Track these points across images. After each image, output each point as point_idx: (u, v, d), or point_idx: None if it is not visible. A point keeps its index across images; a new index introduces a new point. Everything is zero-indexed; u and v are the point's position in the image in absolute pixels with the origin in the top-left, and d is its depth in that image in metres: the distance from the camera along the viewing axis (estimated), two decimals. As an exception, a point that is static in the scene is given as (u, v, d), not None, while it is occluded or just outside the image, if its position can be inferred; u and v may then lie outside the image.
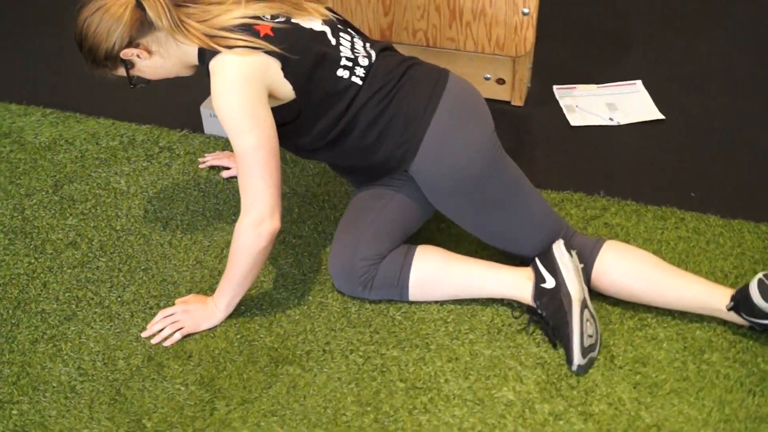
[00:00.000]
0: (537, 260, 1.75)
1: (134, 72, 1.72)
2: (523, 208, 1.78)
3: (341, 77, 1.69)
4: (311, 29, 1.69)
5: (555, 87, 2.53)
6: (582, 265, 1.76)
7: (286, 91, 1.65)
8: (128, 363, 1.73)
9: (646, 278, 1.74)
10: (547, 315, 1.72)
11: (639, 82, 2.52)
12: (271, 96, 1.65)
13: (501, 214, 1.77)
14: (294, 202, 2.13)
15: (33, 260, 1.97)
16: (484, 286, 1.79)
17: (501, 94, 2.46)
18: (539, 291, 1.73)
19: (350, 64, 1.70)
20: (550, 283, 1.72)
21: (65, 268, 1.95)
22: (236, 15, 1.62)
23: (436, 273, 1.80)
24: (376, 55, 1.75)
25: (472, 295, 1.81)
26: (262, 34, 1.61)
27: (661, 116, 2.38)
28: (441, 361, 1.71)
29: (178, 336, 1.77)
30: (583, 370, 1.66)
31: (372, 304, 1.83)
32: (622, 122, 2.37)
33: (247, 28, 1.62)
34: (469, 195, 1.74)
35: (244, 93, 1.59)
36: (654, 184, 2.15)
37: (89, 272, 1.94)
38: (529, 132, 2.37)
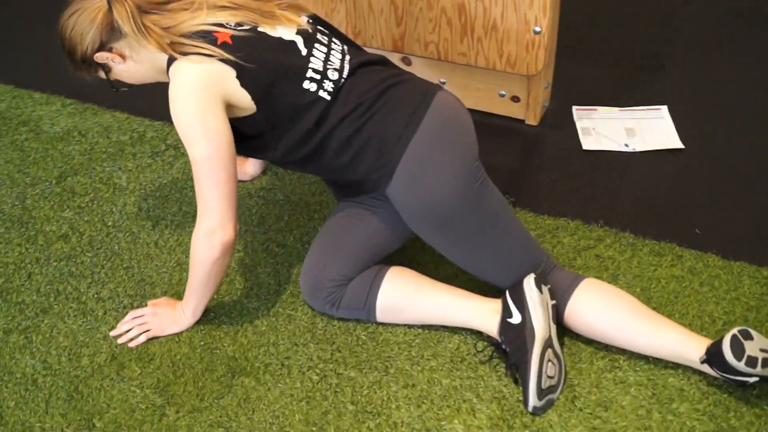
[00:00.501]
0: (507, 293, 1.69)
1: (113, 76, 1.74)
2: (499, 241, 1.71)
3: (307, 90, 1.65)
4: (279, 39, 1.66)
5: (575, 108, 2.44)
6: (554, 302, 1.69)
7: (246, 101, 1.63)
8: (92, 360, 1.75)
9: (618, 322, 1.66)
10: (510, 351, 1.66)
11: (664, 108, 2.40)
12: (232, 106, 1.63)
13: (475, 246, 1.71)
14: (285, 209, 2.12)
15: (24, 250, 2.03)
16: (451, 315, 1.74)
17: (515, 111, 2.39)
18: (505, 325, 1.67)
19: (318, 77, 1.66)
20: (516, 318, 1.65)
21: (52, 261, 1.99)
22: (198, 22, 1.61)
23: (404, 298, 1.75)
24: (353, 71, 1.69)
25: (440, 323, 1.76)
26: (219, 42, 1.60)
27: (680, 145, 2.27)
28: (397, 386, 1.67)
29: (143, 338, 1.78)
30: (539, 411, 1.59)
31: (340, 321, 1.81)
32: (638, 149, 2.26)
33: (206, 35, 1.60)
34: (442, 226, 1.68)
35: (195, 101, 1.58)
36: (658, 217, 2.04)
37: (73, 266, 1.98)
38: (539, 153, 2.29)
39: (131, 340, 1.79)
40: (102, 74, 1.73)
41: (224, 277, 1.75)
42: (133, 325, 1.80)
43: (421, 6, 2.21)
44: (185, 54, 1.59)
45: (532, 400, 1.58)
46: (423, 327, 1.78)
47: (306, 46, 1.68)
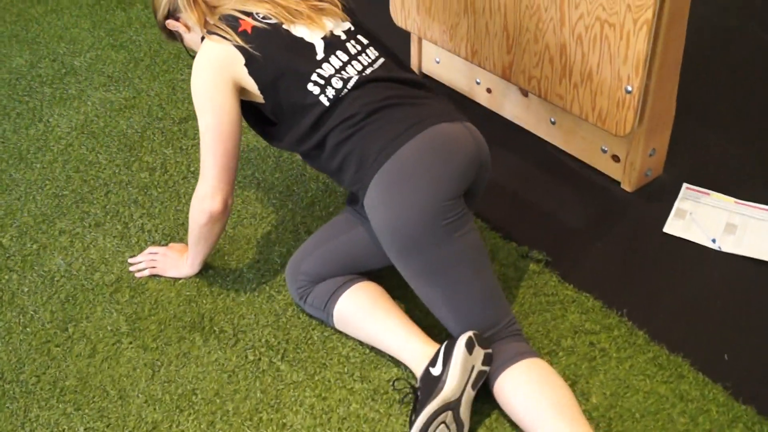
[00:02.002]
0: (444, 343, 1.62)
1: (185, 44, 1.92)
2: (456, 287, 1.63)
3: (310, 92, 1.69)
4: (297, 38, 1.72)
5: (685, 186, 2.16)
6: (485, 369, 1.58)
7: (254, 89, 1.71)
8: (101, 278, 1.99)
9: (534, 412, 1.51)
10: (419, 399, 1.59)
11: (792, 214, 2.05)
12: (246, 91, 1.73)
13: (430, 283, 1.65)
14: (332, 199, 2.18)
15: (117, 171, 2.33)
16: (390, 345, 1.71)
17: (614, 171, 2.19)
18: (426, 373, 1.60)
19: (322, 82, 1.69)
20: (436, 370, 1.58)
21: (130, 187, 2.27)
22: (231, 7, 1.73)
23: (356, 313, 1.75)
24: (362, 84, 1.69)
25: (381, 348, 1.73)
26: (240, 29, 1.70)
27: (781, 260, 1.93)
28: (311, 393, 1.69)
29: (146, 273, 1.99)
30: (412, 470, 1.52)
31: (306, 316, 1.85)
32: (725, 250, 1.96)
33: (233, 21, 1.71)
34: (401, 253, 1.64)
35: (207, 77, 1.70)
36: (690, 328, 1.78)
37: (142, 196, 2.23)
38: (612, 222, 2.08)
39: (139, 271, 2.00)
40: (178, 41, 1.93)
41: (216, 242, 1.87)
42: (145, 259, 2.02)
43: (528, 38, 2.11)
44: (211, 33, 1.72)
45: (406, 456, 1.52)
46: (373, 348, 1.77)
47: (325, 52, 1.72)
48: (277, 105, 1.74)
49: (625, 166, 2.13)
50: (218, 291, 1.93)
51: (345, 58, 1.74)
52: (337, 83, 1.69)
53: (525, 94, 2.32)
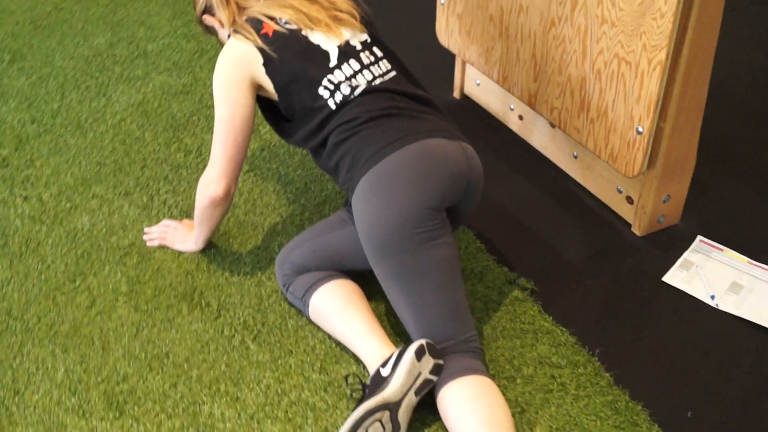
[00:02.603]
0: (400, 348, 1.66)
1: (219, 39, 2.05)
2: (420, 296, 1.67)
3: (320, 96, 1.77)
4: (316, 46, 1.80)
5: (699, 238, 2.12)
6: (432, 378, 1.61)
7: (270, 88, 1.81)
8: (117, 241, 2.14)
9: (463, 427, 1.54)
10: (365, 396, 1.63)
11: (805, 282, 1.97)
12: (261, 87, 1.84)
13: (396, 289, 1.69)
14: (342, 201, 2.24)
15: (157, 149, 2.49)
16: (352, 344, 1.76)
17: (626, 213, 2.16)
18: (376, 373, 1.64)
19: (332, 87, 1.77)
20: (386, 371, 1.62)
21: (164, 165, 2.42)
22: (258, 10, 1.84)
23: (328, 309, 1.81)
24: (369, 92, 1.77)
25: (345, 344, 1.79)
26: (262, 32, 1.80)
27: (779, 326, 1.86)
28: (271, 374, 1.76)
29: (156, 243, 2.12)
30: (340, 460, 1.57)
31: (288, 305, 1.93)
32: (723, 308, 1.91)
33: (257, 23, 1.82)
34: (375, 255, 1.69)
35: (227, 72, 1.81)
36: (660, 380, 1.74)
37: (172, 174, 2.38)
38: (611, 264, 2.06)
39: (151, 240, 2.14)
40: (213, 35, 2.06)
41: (217, 224, 1.98)
42: (158, 230, 2.15)
43: (553, 68, 2.13)
44: (237, 32, 1.84)
45: (335, 447, 1.57)
46: (339, 343, 1.82)
47: (339, 59, 1.80)
48: (289, 105, 1.83)
49: (637, 209, 2.11)
50: (214, 269, 2.04)
51: (357, 66, 1.81)
52: (345, 89, 1.77)
53: (553, 125, 2.34)
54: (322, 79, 1.78)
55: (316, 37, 1.83)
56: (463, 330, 1.68)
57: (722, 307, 1.92)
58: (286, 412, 1.68)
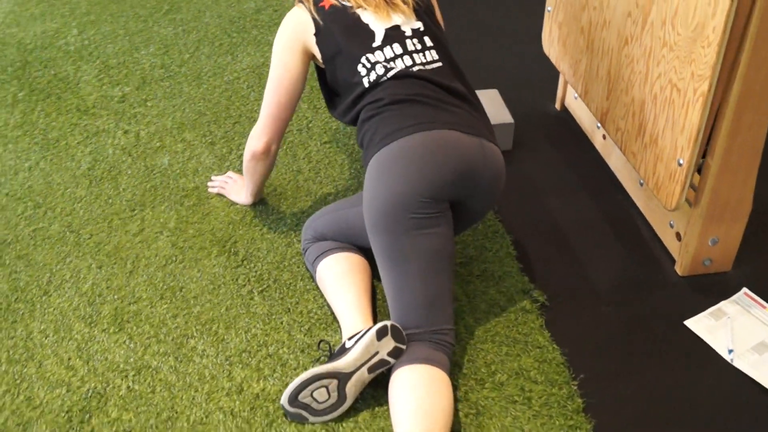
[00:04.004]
0: (371, 325, 1.71)
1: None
2: (403, 279, 1.70)
3: (358, 72, 1.84)
4: (365, 25, 1.86)
5: (744, 290, 1.95)
6: (389, 360, 1.65)
7: (319, 57, 1.91)
8: (185, 182, 2.34)
9: (398, 412, 1.57)
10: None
11: None
12: (315, 57, 1.94)
13: (384, 267, 1.74)
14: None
15: (258, 113, 2.66)
16: (338, 314, 1.83)
17: (673, 249, 2.04)
18: (343, 344, 1.71)
19: (369, 65, 1.83)
20: (350, 344, 1.68)
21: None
22: None
23: (327, 278, 1.89)
24: (400, 77, 1.81)
25: (335, 313, 1.86)
26: (320, 4, 1.90)
27: (793, 398, 1.70)
28: (259, 327, 1.87)
29: (215, 191, 2.30)
30: (287, 414, 1.65)
31: (305, 267, 2.03)
32: (737, 365, 1.77)
33: None
34: (369, 229, 1.75)
35: (283, 36, 1.94)
36: (635, 421, 1.65)
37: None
38: (637, 297, 1.95)
39: (212, 187, 2.32)
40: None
41: (261, 180, 2.10)
42: (221, 180, 2.32)
43: (622, 88, 2.05)
44: (300, 1, 1.95)
45: (283, 398, 1.64)
46: (333, 313, 1.90)
47: (383, 41, 1.86)
48: (334, 77, 1.92)
49: (681, 247, 1.99)
50: (256, 223, 2.18)
51: (399, 51, 1.86)
52: (380, 70, 1.83)
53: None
54: (361, 57, 1.85)
55: (367, 17, 1.89)
56: (435, 321, 1.70)
57: (736, 364, 1.78)
58: (259, 362, 1.78)
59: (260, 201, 2.25)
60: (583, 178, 2.36)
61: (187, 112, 2.65)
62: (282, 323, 1.88)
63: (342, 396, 1.65)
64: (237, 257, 2.07)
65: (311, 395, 1.63)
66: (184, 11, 3.33)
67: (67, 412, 1.68)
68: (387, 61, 1.84)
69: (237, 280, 2.00)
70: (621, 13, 2.02)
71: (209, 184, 2.33)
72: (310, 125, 2.58)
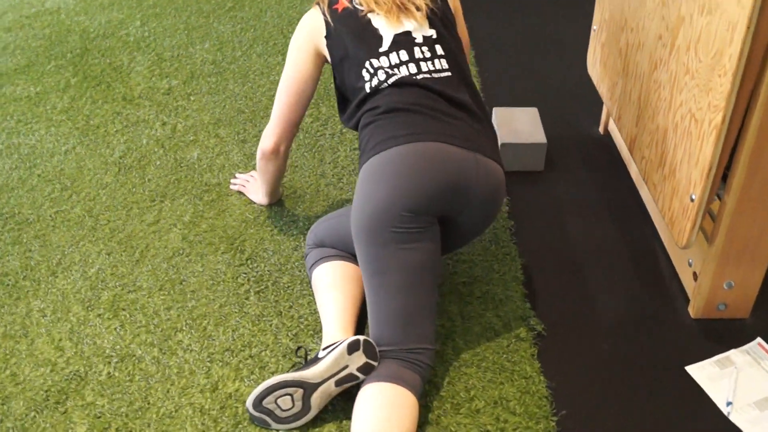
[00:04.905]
0: (349, 337, 1.68)
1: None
2: (380, 293, 1.67)
3: (362, 77, 1.82)
4: (374, 29, 1.83)
5: (759, 341, 1.81)
6: (358, 375, 1.61)
7: (329, 60, 1.90)
8: (209, 178, 2.36)
9: (354, 429, 1.52)
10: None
11: None
12: (327, 58, 1.92)
13: (364, 276, 1.71)
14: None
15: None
16: (323, 322, 1.80)
17: (690, 289, 1.92)
18: (317, 354, 1.68)
19: (372, 71, 1.80)
20: (322, 354, 1.66)
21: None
22: None
23: (319, 285, 1.88)
24: (400, 84, 1.77)
25: (321, 320, 1.83)
26: (334, 6, 1.88)
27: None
28: (247, 327, 1.87)
29: (235, 188, 2.32)
30: (253, 418, 1.64)
31: (305, 271, 2.01)
32: (733, 419, 1.64)
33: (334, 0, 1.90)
34: (353, 237, 1.73)
35: (296, 37, 1.94)
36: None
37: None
38: (640, 337, 1.84)
39: (234, 185, 2.34)
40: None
41: (272, 180, 2.10)
42: (243, 178, 2.34)
43: (649, 114, 1.94)
44: (317, 3, 1.94)
45: (248, 401, 1.63)
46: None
47: (390, 47, 1.83)
48: (342, 81, 1.90)
49: (695, 288, 1.87)
50: (268, 223, 2.18)
51: (405, 58, 1.82)
52: (381, 75, 1.80)
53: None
54: (365, 62, 1.82)
55: (378, 21, 1.86)
56: (411, 340, 1.65)
57: (732, 418, 1.66)
58: (240, 362, 1.78)
59: (278, 202, 2.25)
60: (612, 206, 2.26)
61: (226, 109, 2.68)
62: (271, 326, 1.87)
63: (306, 406, 1.62)
64: (242, 256, 2.08)
65: (275, 402, 1.62)
66: (246, 9, 3.38)
67: (46, 391, 1.73)
68: (391, 67, 1.80)
69: (237, 278, 2.01)
70: (654, 35, 1.92)
71: (232, 181, 2.35)
72: (344, 131, 2.57)
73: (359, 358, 1.62)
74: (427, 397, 1.70)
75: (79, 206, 2.26)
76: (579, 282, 2.01)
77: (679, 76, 1.77)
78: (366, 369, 1.62)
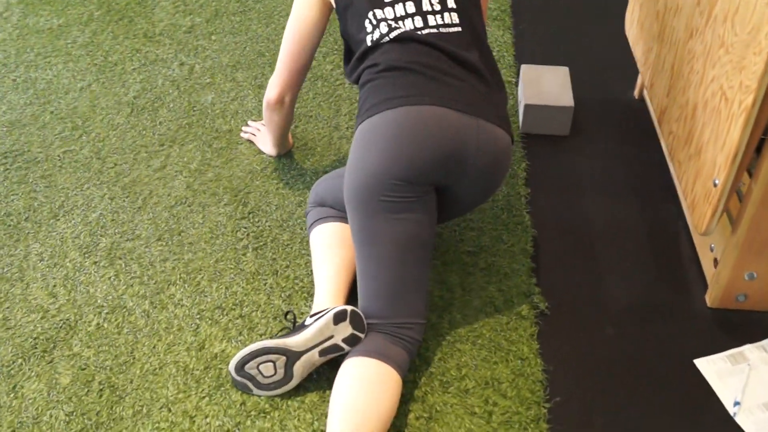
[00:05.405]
0: (337, 306, 1.62)
1: None
2: (369, 263, 1.60)
3: (365, 28, 1.72)
4: None
5: (780, 336, 1.71)
6: (343, 346, 1.56)
7: (334, 5, 1.79)
8: (221, 124, 2.30)
9: (333, 404, 1.48)
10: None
11: None
12: (333, 6, 1.82)
13: (355, 245, 1.64)
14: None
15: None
16: (315, 285, 1.74)
17: (710, 276, 1.81)
18: (304, 320, 1.63)
19: (375, 22, 1.70)
20: (309, 321, 1.60)
21: (317, 74, 2.51)
22: None
23: (317, 245, 1.81)
24: (402, 39, 1.67)
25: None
26: (340, -44, 1.77)
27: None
28: (242, 286, 1.83)
29: (245, 137, 2.25)
30: (235, 382, 1.60)
31: (305, 229, 1.95)
32: (738, 420, 1.55)
33: None
34: (345, 203, 1.65)
35: None
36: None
37: (313, 84, 2.46)
38: (650, 324, 1.75)
39: (244, 132, 2.27)
40: None
41: (278, 131, 2.02)
42: (253, 127, 2.27)
43: (681, 86, 1.80)
44: None
45: (231, 364, 1.59)
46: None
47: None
48: (345, 31, 1.81)
49: (714, 275, 1.76)
50: (275, 176, 2.12)
51: (411, 10, 1.71)
52: (383, 28, 1.69)
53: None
54: (368, 12, 1.72)
55: None
56: (400, 314, 1.59)
57: (738, 419, 1.57)
58: (229, 322, 1.74)
59: (288, 153, 2.18)
60: (638, 179, 2.13)
61: (246, 51, 2.60)
62: (265, 285, 1.82)
63: (288, 374, 1.58)
64: (245, 209, 2.02)
65: (257, 368, 1.57)
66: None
67: (35, 339, 1.71)
68: (395, 19, 1.69)
69: (236, 232, 1.96)
70: (692, 0, 1.77)
71: (243, 128, 2.28)
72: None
73: (345, 329, 1.56)
74: (415, 372, 1.64)
75: (87, 147, 2.22)
76: (591, 260, 1.91)
77: (714, 49, 1.63)
78: (352, 340, 1.56)
